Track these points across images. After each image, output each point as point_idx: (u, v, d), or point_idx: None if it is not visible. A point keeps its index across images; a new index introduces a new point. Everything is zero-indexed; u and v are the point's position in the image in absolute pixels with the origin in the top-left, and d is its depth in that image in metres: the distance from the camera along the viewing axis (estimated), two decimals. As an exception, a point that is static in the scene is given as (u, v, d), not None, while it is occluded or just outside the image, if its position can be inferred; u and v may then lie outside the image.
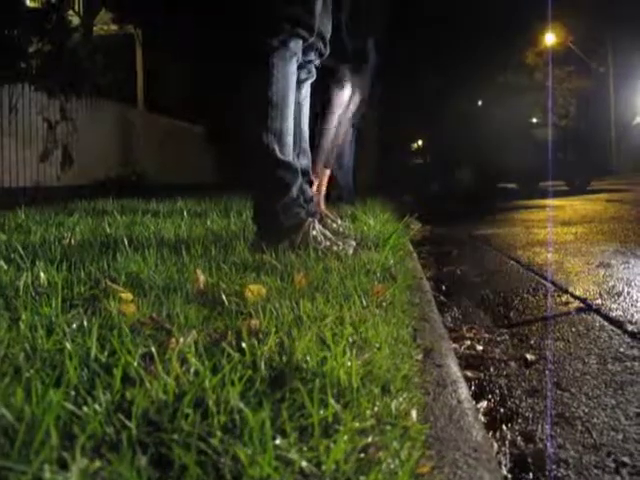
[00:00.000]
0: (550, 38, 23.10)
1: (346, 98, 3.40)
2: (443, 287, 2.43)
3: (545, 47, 23.29)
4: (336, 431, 0.67)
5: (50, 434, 0.56)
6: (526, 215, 5.80)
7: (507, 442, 1.08)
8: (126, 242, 1.88)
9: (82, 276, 1.41)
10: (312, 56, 2.26)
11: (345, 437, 0.65)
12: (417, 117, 18.83)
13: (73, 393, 0.70)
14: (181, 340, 0.92)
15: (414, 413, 0.78)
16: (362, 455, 0.64)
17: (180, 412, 0.66)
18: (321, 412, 0.70)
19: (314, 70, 2.37)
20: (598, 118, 22.73)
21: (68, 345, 0.85)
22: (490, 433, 1.11)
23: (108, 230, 2.55)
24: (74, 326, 0.99)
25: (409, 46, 12.52)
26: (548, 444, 1.05)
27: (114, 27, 13.59)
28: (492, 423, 1.17)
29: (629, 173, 12.86)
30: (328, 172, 3.64)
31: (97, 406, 0.66)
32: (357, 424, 0.69)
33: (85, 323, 0.98)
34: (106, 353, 0.87)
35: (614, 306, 1.88)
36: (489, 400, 1.28)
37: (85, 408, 0.64)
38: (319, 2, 2.13)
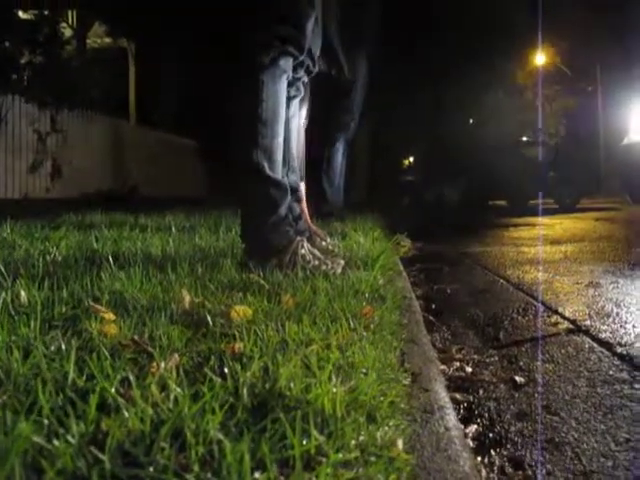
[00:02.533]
0: (540, 58, 23.40)
1: (305, 111, 3.41)
2: (433, 306, 2.42)
3: (535, 67, 23.58)
4: (319, 464, 0.65)
5: (14, 471, 0.54)
6: (516, 233, 5.81)
7: (495, 469, 1.06)
8: (112, 259, 1.86)
9: (64, 295, 1.38)
10: (301, 73, 2.26)
11: (328, 470, 0.63)
12: (408, 134, 18.93)
13: (46, 422, 0.67)
14: (162, 364, 0.90)
15: (400, 442, 0.76)
16: (345, 489, 0.62)
17: (157, 444, 0.63)
18: (304, 443, 0.68)
19: (302, 88, 2.37)
20: (587, 137, 22.99)
21: (44, 369, 0.82)
22: (479, 459, 1.09)
23: (95, 245, 2.52)
24: (52, 348, 0.96)
25: (401, 63, 12.62)
26: (537, 471, 1.04)
27: (107, 40, 13.63)
28: (480, 448, 1.15)
29: (618, 192, 12.97)
30: (303, 186, 3.64)
31: (70, 437, 0.63)
32: (341, 456, 0.67)
33: (63, 346, 0.95)
34: (84, 378, 0.84)
35: (603, 327, 1.87)
36: (478, 424, 1.26)
37: (56, 441, 0.61)
38: (310, 21, 2.13)
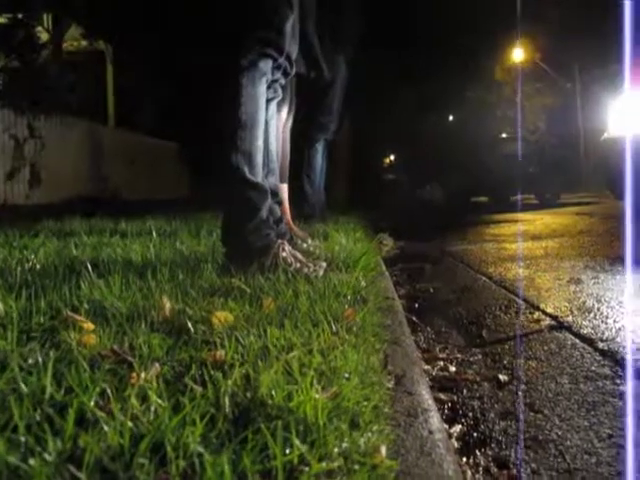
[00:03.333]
0: (519, 54, 23.60)
1: (284, 113, 3.41)
2: (416, 306, 2.42)
3: (513, 63, 23.78)
4: (301, 473, 0.64)
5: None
6: (497, 230, 5.85)
7: (481, 469, 1.06)
8: (91, 266, 1.83)
9: (42, 305, 1.36)
10: (278, 75, 2.25)
11: (311, 480, 0.63)
12: (389, 132, 18.98)
13: (22, 439, 0.66)
14: (142, 374, 0.88)
15: (383, 448, 0.76)
16: (328, 499, 0.62)
17: (136, 459, 0.62)
18: (287, 452, 0.67)
19: (280, 90, 2.36)
20: (567, 133, 23.21)
21: (21, 384, 0.81)
22: (463, 459, 1.09)
23: (74, 252, 2.49)
24: (30, 361, 0.95)
25: (380, 62, 12.65)
26: (521, 470, 1.04)
27: (84, 43, 13.47)
28: (465, 448, 1.15)
29: (597, 187, 13.13)
30: (286, 188, 3.63)
31: (47, 455, 0.62)
32: (324, 465, 0.66)
33: (40, 358, 0.93)
34: (62, 391, 0.82)
35: (585, 323, 1.88)
36: (462, 424, 1.26)
37: (31, 460, 0.60)
38: (289, 23, 2.12)
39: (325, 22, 3.62)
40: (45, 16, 11.64)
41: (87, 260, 2.05)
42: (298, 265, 1.95)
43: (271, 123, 2.35)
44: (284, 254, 1.95)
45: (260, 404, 0.78)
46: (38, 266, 2.07)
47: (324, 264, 2.04)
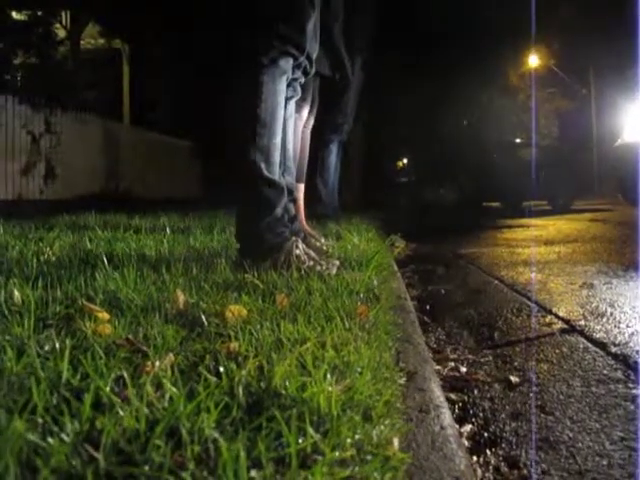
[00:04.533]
0: (534, 60, 23.49)
1: (306, 113, 3.41)
2: (427, 307, 2.42)
3: (528, 69, 23.67)
4: (315, 462, 0.65)
5: (9, 469, 0.53)
6: (510, 234, 5.83)
7: (491, 468, 1.06)
8: (106, 259, 1.85)
9: (58, 295, 1.38)
10: (298, 74, 2.25)
11: (324, 469, 0.63)
12: (403, 135, 18.95)
13: (40, 420, 0.67)
14: (157, 363, 0.89)
15: (396, 441, 0.76)
16: (341, 487, 0.62)
17: (152, 442, 0.63)
18: (300, 441, 0.68)
19: (299, 88, 2.36)
20: (581, 138, 23.07)
21: (38, 369, 0.82)
22: (474, 458, 1.09)
23: (89, 246, 2.51)
24: (46, 348, 0.96)
25: (396, 65, 12.64)
26: (532, 470, 1.04)
27: (101, 41, 13.59)
28: (476, 448, 1.15)
29: (611, 193, 13.04)
30: (302, 187, 3.64)
31: (64, 436, 0.63)
32: (337, 454, 0.67)
33: (57, 345, 0.94)
34: (79, 377, 0.84)
35: (597, 327, 1.87)
36: (473, 424, 1.26)
37: (50, 439, 0.60)
38: (311, 21, 2.12)
39: (343, 23, 3.64)
40: (63, 14, 11.74)
41: (102, 253, 2.06)
42: (311, 263, 1.95)
43: (289, 122, 2.35)
44: (297, 252, 1.95)
45: (274, 394, 0.79)
46: (53, 258, 2.09)
47: (337, 262, 2.05)
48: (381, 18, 5.28)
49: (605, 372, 1.48)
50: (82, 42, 13.02)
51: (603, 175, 17.92)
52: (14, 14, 9.30)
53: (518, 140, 15.84)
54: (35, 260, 1.96)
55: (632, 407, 1.25)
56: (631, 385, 1.37)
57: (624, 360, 1.55)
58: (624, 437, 1.12)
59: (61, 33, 11.15)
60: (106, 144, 10.25)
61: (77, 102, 8.84)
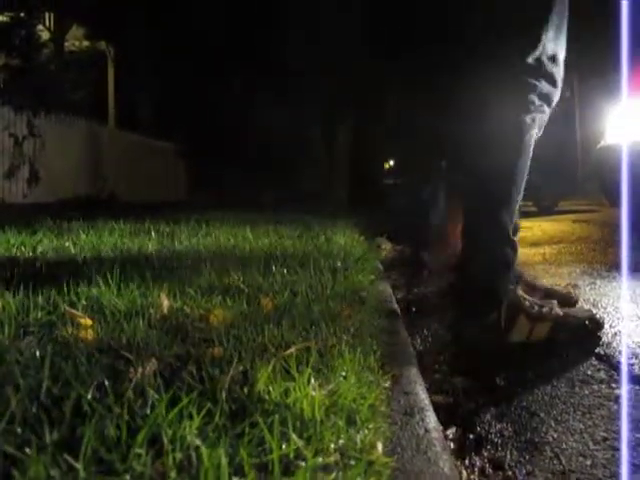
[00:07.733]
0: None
1: None
2: (413, 309, 2.42)
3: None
4: (298, 468, 0.64)
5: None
6: (495, 235, 5.84)
7: (476, 470, 1.06)
8: (89, 264, 1.83)
9: (40, 300, 1.36)
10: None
11: (307, 474, 0.63)
12: (388, 137, 18.96)
13: (19, 430, 0.66)
14: (140, 370, 0.88)
15: (380, 445, 0.76)
16: (324, 493, 0.62)
17: (133, 450, 0.62)
18: (283, 447, 0.67)
19: None
20: (565, 140, 23.26)
21: (18, 376, 0.81)
22: (459, 461, 1.09)
23: (72, 250, 2.49)
24: (27, 355, 0.95)
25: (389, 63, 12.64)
26: (517, 472, 1.04)
27: (86, 43, 13.48)
28: (461, 450, 1.15)
29: (594, 194, 13.17)
30: None
31: (43, 445, 0.62)
32: (320, 459, 0.66)
33: (38, 352, 0.93)
34: (59, 384, 0.82)
35: (581, 328, 1.88)
36: (458, 426, 1.26)
37: (28, 450, 0.60)
38: (560, 75, 1.90)
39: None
40: (47, 15, 11.65)
41: (85, 257, 2.05)
42: (536, 307, 1.80)
43: None
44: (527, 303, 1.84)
45: (257, 399, 0.78)
46: (36, 263, 2.07)
47: (555, 302, 1.88)
48: (374, 15, 5.28)
49: (589, 373, 1.50)
50: (66, 44, 12.92)
51: (587, 177, 18.09)
52: (-4, 16, 9.21)
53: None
54: (17, 265, 1.94)
55: (615, 407, 1.27)
56: (614, 385, 1.39)
57: (607, 360, 1.57)
58: (607, 437, 1.13)
59: (45, 35, 11.05)
60: (91, 147, 10.16)
61: (61, 104, 8.74)
